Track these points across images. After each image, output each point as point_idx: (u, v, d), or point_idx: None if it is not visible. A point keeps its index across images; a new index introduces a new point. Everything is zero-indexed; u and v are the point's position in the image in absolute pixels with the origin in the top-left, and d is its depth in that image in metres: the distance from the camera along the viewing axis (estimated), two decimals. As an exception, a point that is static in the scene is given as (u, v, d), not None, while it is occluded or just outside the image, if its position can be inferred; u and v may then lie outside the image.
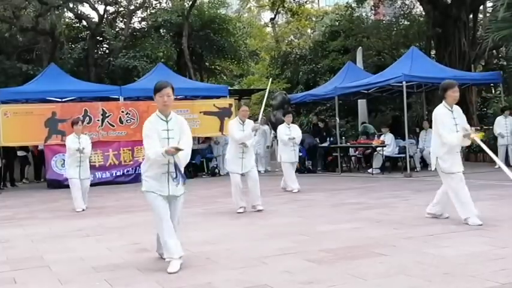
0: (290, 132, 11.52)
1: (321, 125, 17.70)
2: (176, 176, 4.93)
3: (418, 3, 23.63)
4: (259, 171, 16.69)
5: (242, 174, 8.62)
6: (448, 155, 6.50)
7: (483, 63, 23.95)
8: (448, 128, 6.42)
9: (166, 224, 4.88)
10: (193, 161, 16.54)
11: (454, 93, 6.52)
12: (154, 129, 4.90)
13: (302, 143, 16.64)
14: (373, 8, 27.70)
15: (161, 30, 26.40)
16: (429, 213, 6.87)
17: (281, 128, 11.77)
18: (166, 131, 4.94)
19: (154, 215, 4.97)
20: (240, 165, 8.60)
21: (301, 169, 16.37)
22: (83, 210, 9.60)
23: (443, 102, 6.59)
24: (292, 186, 11.24)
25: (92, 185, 13.55)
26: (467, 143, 6.58)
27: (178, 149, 4.77)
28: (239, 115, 9.12)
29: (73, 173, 9.78)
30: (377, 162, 14.87)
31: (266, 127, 17.32)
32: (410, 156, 14.50)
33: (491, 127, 16.09)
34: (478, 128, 6.37)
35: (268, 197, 10.29)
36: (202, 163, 16.81)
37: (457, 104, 6.66)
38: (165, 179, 4.93)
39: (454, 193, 6.48)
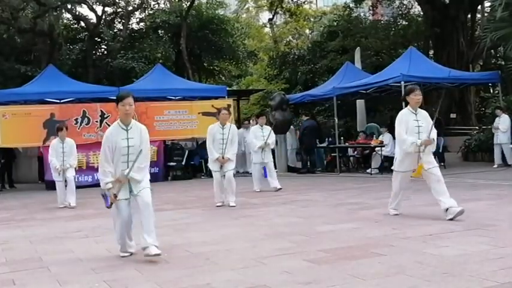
0: (263, 134, 11.61)
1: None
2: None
3: (416, 3, 23.70)
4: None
5: (223, 175, 9.19)
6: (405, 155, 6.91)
7: (481, 63, 23.99)
8: (409, 129, 6.79)
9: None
10: (192, 162, 16.56)
11: (415, 97, 6.83)
12: (111, 144, 5.29)
13: (301, 142, 16.74)
14: (371, 8, 27.77)
15: (159, 31, 26.43)
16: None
17: (253, 130, 12.01)
18: (127, 139, 5.32)
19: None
20: (219, 164, 9.21)
21: (297, 169, 16.42)
22: (69, 206, 10.03)
23: (408, 106, 6.95)
24: (255, 186, 11.55)
25: (90, 185, 13.73)
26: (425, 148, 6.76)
27: (120, 181, 5.25)
28: (219, 120, 9.28)
29: (57, 175, 10.29)
30: (375, 162, 14.88)
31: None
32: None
33: (489, 126, 16.14)
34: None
35: (266, 197, 10.30)
36: (201, 164, 16.80)
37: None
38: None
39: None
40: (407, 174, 7.01)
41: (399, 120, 6.88)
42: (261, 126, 11.79)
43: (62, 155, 10.17)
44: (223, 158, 9.16)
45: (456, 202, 6.63)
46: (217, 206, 9.19)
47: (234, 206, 8.99)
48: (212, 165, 9.37)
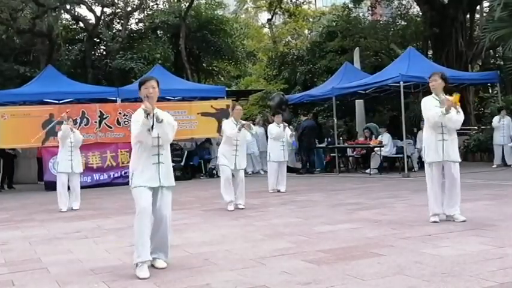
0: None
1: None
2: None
3: (415, 3, 23.69)
4: (253, 172, 16.89)
5: (232, 174, 8.97)
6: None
7: (480, 63, 24.00)
8: (433, 111, 6.47)
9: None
10: (192, 163, 16.55)
11: (431, 83, 6.65)
12: (140, 118, 4.87)
13: (300, 143, 16.75)
14: (370, 8, 27.75)
15: (158, 32, 26.41)
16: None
17: (270, 127, 11.98)
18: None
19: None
20: (232, 161, 8.95)
21: (296, 169, 16.42)
22: (73, 209, 9.75)
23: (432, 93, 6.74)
24: (270, 186, 11.50)
25: (89, 186, 13.73)
26: (448, 115, 6.36)
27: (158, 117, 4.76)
28: (233, 115, 9.25)
29: (64, 167, 9.83)
30: (375, 162, 14.89)
31: (262, 129, 17.29)
32: (408, 157, 14.52)
33: (488, 127, 16.17)
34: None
35: (266, 198, 10.30)
36: (200, 164, 16.81)
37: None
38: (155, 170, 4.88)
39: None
40: (437, 166, 6.52)
41: (423, 105, 6.61)
42: (278, 124, 11.81)
43: (70, 145, 9.84)
44: (236, 153, 8.89)
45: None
46: (229, 211, 8.63)
47: (243, 208, 8.78)
48: (223, 159, 8.97)
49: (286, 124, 11.88)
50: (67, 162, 9.81)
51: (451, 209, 6.54)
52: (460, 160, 6.62)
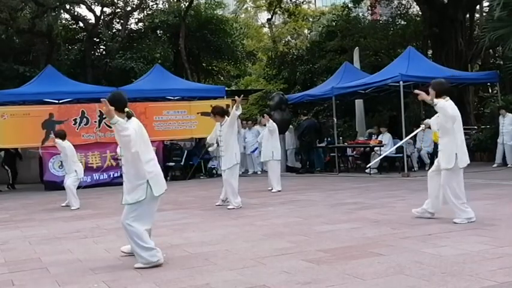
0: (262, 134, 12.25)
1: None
2: None
3: (415, 3, 23.67)
4: (255, 172, 16.92)
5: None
6: None
7: (480, 63, 24.00)
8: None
9: None
10: (191, 162, 16.54)
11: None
12: None
13: (301, 142, 16.77)
14: (369, 8, 27.75)
15: (158, 32, 26.40)
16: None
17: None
18: None
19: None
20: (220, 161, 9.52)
21: (296, 169, 16.43)
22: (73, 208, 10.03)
23: None
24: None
25: (89, 186, 13.74)
26: None
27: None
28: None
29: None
30: (375, 162, 14.88)
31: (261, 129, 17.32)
32: (408, 156, 14.52)
33: (488, 126, 16.16)
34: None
35: (265, 198, 10.30)
36: (200, 164, 16.79)
37: (454, 103, 6.65)
38: None
39: None
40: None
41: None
42: (263, 125, 12.05)
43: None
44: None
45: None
46: (216, 205, 9.31)
47: (231, 209, 8.84)
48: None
49: (271, 127, 11.80)
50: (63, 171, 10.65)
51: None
52: (445, 167, 6.52)
